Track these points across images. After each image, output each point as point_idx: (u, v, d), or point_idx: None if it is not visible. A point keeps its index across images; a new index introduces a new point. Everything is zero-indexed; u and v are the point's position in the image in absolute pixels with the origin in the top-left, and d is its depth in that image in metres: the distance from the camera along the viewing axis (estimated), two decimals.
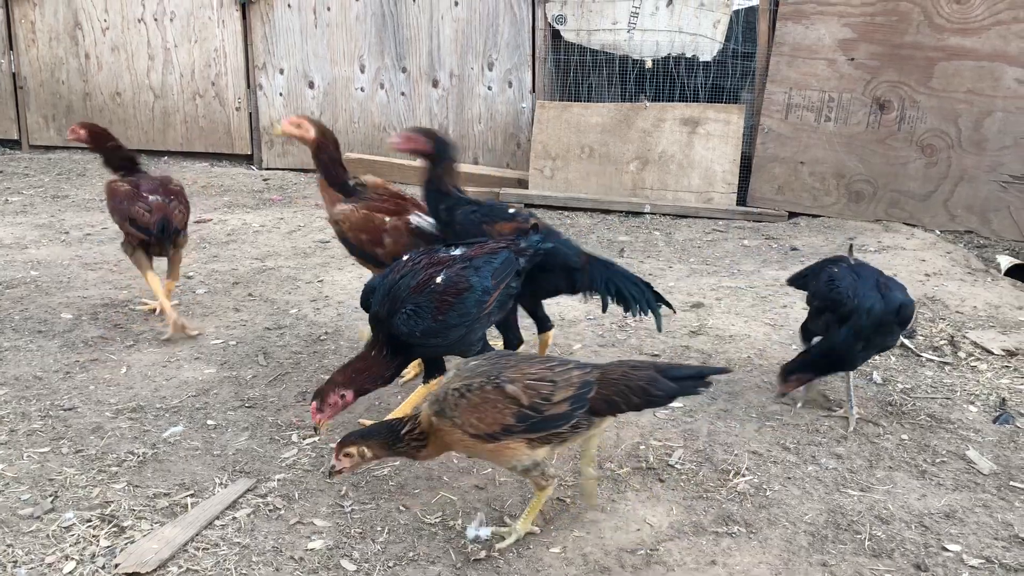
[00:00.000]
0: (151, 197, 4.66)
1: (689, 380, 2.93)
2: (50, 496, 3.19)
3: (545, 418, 2.82)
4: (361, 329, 4.54)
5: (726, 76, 7.75)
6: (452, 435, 2.83)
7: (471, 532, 3.04)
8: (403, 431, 2.87)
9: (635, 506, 3.26)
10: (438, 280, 3.37)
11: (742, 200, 7.51)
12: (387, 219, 4.10)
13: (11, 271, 5.69)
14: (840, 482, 3.42)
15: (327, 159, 4.23)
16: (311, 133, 4.21)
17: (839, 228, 7.00)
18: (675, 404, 4.01)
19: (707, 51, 7.69)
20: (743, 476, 3.45)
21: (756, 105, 7.57)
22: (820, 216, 7.26)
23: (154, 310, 4.98)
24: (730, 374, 4.32)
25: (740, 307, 5.23)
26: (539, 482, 2.95)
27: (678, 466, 3.53)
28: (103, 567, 2.82)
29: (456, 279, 3.39)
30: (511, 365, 2.91)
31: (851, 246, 4.52)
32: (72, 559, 2.85)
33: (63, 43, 9.24)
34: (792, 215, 7.35)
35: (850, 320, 3.73)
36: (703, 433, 3.78)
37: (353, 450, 2.88)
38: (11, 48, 9.34)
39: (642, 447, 3.66)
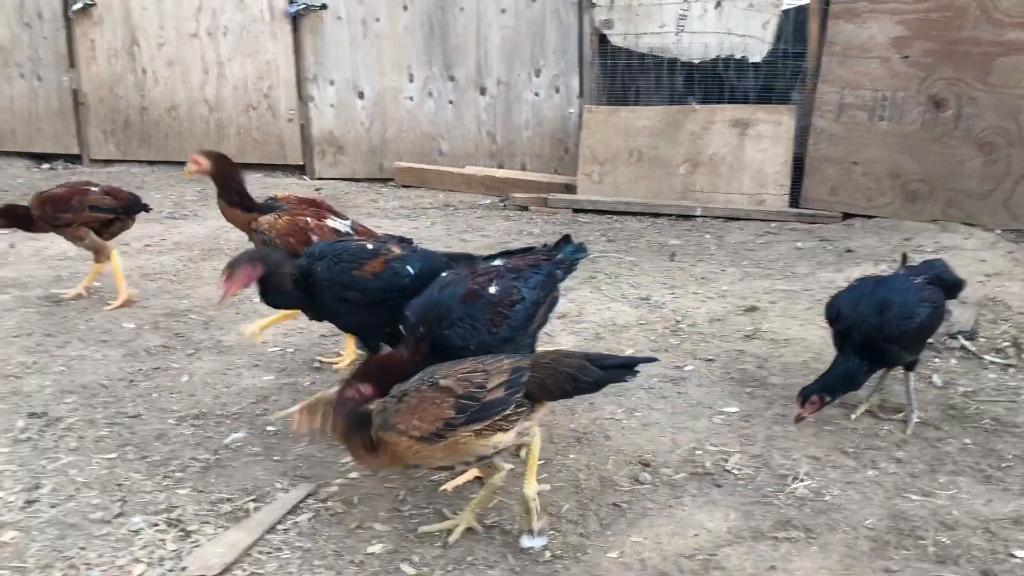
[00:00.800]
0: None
1: (617, 369, 2.96)
2: (118, 501, 3.28)
3: (483, 405, 2.82)
4: (242, 328, 4.61)
5: (776, 77, 7.68)
6: (400, 444, 2.82)
7: (525, 542, 3.05)
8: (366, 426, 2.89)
9: (692, 511, 3.25)
10: (492, 291, 3.33)
11: (794, 202, 7.42)
12: (310, 220, 4.43)
13: (75, 282, 5.85)
14: (901, 487, 3.37)
15: (235, 186, 4.54)
16: (206, 164, 4.53)
17: (895, 229, 6.88)
18: (731, 409, 4.00)
19: (756, 52, 7.62)
20: (801, 481, 3.42)
21: (807, 105, 7.48)
22: (875, 217, 7.15)
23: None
24: (789, 378, 4.29)
25: (795, 310, 5.17)
26: (497, 465, 3.00)
27: (735, 471, 3.50)
28: (170, 570, 2.90)
29: (509, 291, 3.37)
30: (442, 368, 2.96)
31: (904, 255, 4.42)
32: (141, 562, 2.93)
33: (121, 59, 9.49)
34: (846, 216, 7.24)
35: (848, 338, 3.67)
36: (760, 438, 3.75)
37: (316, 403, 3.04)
38: (72, 66, 9.62)
39: (698, 452, 3.65)
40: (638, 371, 2.99)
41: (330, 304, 3.66)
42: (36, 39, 9.67)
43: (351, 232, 4.47)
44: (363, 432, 2.90)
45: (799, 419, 3.64)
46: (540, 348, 4.58)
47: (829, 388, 3.64)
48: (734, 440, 3.74)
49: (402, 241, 3.95)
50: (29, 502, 3.27)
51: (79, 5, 9.33)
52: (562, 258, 3.62)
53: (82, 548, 3.01)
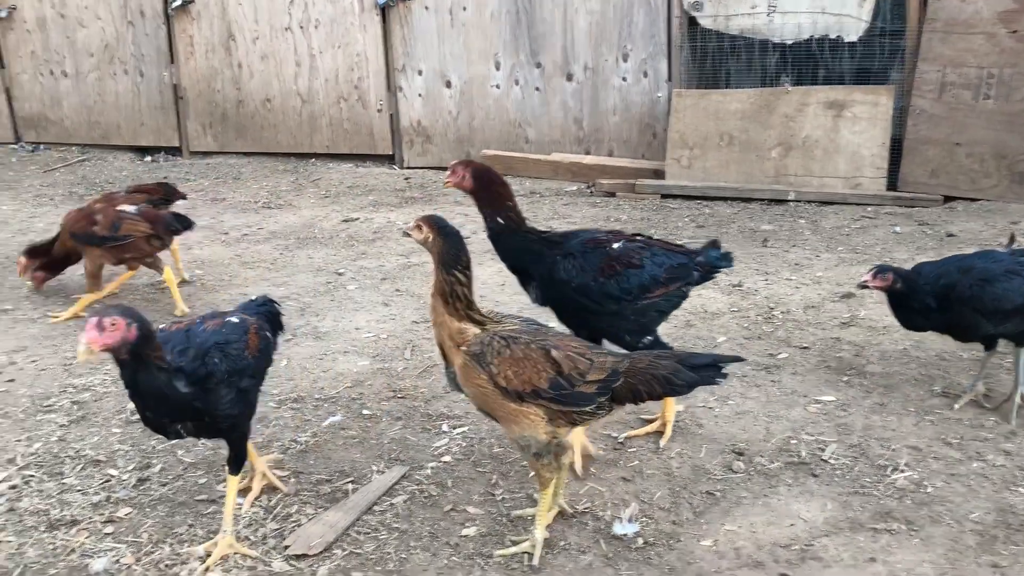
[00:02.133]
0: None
1: (708, 370, 2.87)
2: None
3: (574, 394, 2.78)
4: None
5: (873, 56, 7.43)
6: (479, 379, 2.78)
7: (617, 528, 3.06)
8: (455, 293, 2.83)
9: (788, 501, 3.20)
10: (615, 246, 3.44)
11: (892, 185, 7.18)
12: (96, 205, 5.22)
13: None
14: (1010, 480, 3.25)
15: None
16: None
17: (1000, 212, 6.60)
18: (827, 398, 3.92)
19: (852, 31, 7.39)
20: (902, 472, 3.33)
21: (906, 85, 7.22)
22: (979, 200, 6.87)
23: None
24: (888, 367, 4.17)
25: None
26: (544, 474, 2.87)
27: (832, 461, 3.43)
28: (273, 548, 3.00)
29: (630, 253, 3.44)
30: (556, 336, 2.94)
31: (1012, 235, 4.25)
32: (245, 540, 3.04)
33: (218, 54, 9.78)
34: (947, 199, 6.97)
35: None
36: (858, 427, 3.67)
37: (426, 230, 2.89)
38: (172, 61, 9.96)
39: (793, 441, 3.58)
40: (726, 374, 2.91)
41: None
42: (139, 36, 10.04)
43: (137, 215, 5.10)
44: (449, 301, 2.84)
45: (862, 286, 3.82)
46: None
47: (905, 280, 3.73)
48: (831, 429, 3.66)
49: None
50: (141, 480, 3.43)
51: (178, 2, 9.65)
52: (703, 260, 3.59)
53: (190, 525, 3.14)
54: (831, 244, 6.13)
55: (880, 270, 3.78)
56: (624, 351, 3.11)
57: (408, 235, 2.91)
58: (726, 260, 3.64)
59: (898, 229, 6.38)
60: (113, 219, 5.11)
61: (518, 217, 3.59)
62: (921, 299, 3.70)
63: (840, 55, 7.50)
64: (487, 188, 3.58)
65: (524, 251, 3.55)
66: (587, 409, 2.83)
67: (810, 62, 7.58)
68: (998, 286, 3.56)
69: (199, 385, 2.76)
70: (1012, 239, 4.20)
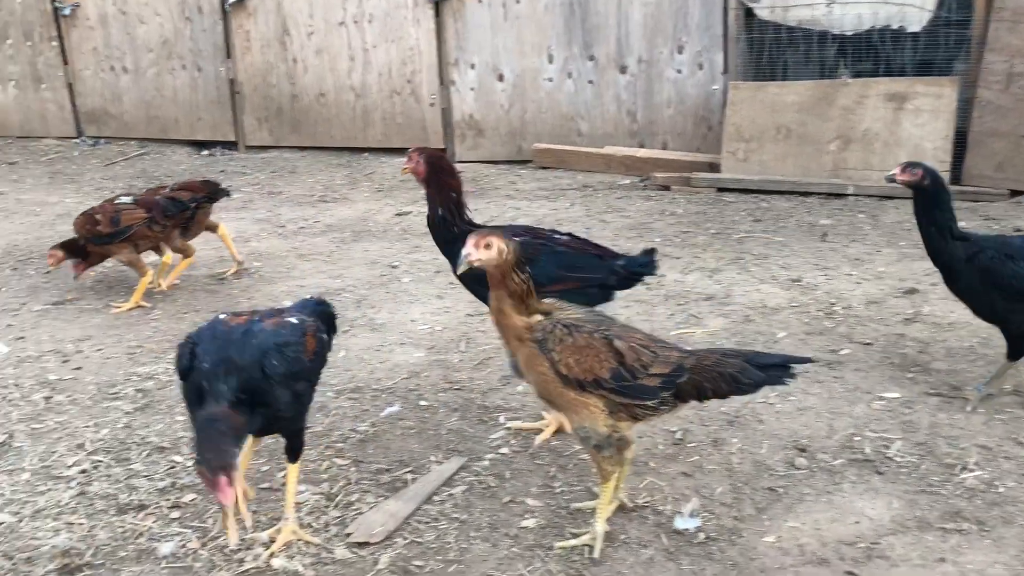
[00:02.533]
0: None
1: (776, 369, 2.81)
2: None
3: (636, 386, 2.74)
4: None
5: (936, 47, 7.25)
6: (542, 366, 2.76)
7: (679, 523, 3.03)
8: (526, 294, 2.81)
9: (852, 498, 3.15)
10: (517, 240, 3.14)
11: (955, 179, 7.01)
12: (96, 206, 5.42)
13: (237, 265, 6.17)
14: None
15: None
16: None
17: None
18: (891, 395, 3.84)
19: (915, 21, 7.22)
20: (971, 471, 3.25)
21: (971, 77, 7.04)
22: None
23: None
24: (955, 363, 4.08)
25: None
26: (606, 467, 2.85)
27: (897, 458, 3.37)
28: (335, 535, 3.03)
29: (529, 248, 3.17)
30: (620, 326, 2.90)
31: None
32: (308, 527, 3.08)
33: (273, 49, 9.90)
34: (1015, 193, 6.78)
35: None
36: (924, 425, 3.59)
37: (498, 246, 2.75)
38: (228, 56, 10.11)
39: (857, 438, 3.52)
40: (795, 374, 2.85)
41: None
42: (196, 32, 10.21)
43: (131, 206, 5.26)
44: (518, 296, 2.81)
45: (890, 180, 3.81)
46: (687, 330, 4.55)
47: (934, 180, 3.72)
48: (895, 427, 3.59)
49: None
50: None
51: None
52: (623, 264, 3.54)
53: (254, 512, 3.18)
54: (892, 239, 6.01)
55: (911, 164, 3.76)
56: (690, 349, 3.07)
57: (478, 263, 2.75)
58: (649, 267, 3.56)
59: (963, 224, 6.20)
60: (111, 215, 5.26)
61: (458, 210, 3.72)
62: (945, 210, 3.66)
63: (902, 46, 7.34)
64: (436, 176, 3.73)
65: (450, 243, 3.64)
66: (649, 403, 2.79)
67: (870, 53, 7.43)
68: (1021, 264, 3.49)
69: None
70: None
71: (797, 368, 2.85)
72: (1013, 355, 3.68)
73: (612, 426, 2.80)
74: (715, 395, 2.85)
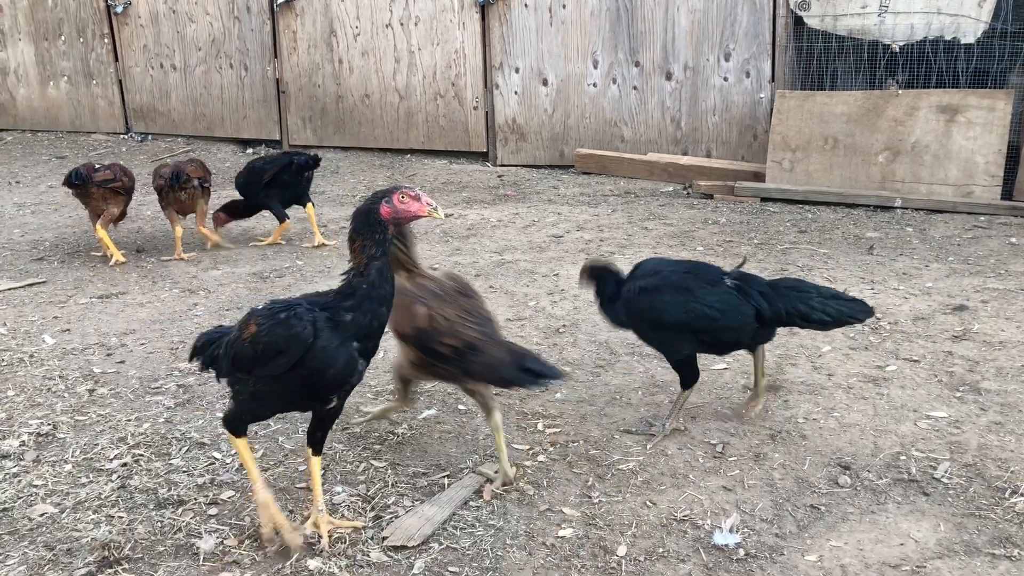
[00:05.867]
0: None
1: (528, 374, 3.08)
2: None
3: (429, 348, 3.18)
4: None
5: (991, 59, 7.11)
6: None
7: (718, 538, 2.98)
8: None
9: (897, 519, 3.07)
10: None
11: (1007, 194, 6.87)
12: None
13: (278, 261, 6.22)
14: None
15: None
16: None
17: None
18: (938, 414, 3.76)
19: (969, 32, 7.08)
20: (1022, 495, 3.16)
21: None
22: None
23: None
24: (1005, 383, 3.98)
25: (1010, 311, 4.79)
26: (399, 399, 3.56)
27: (944, 480, 3.28)
28: (371, 538, 3.03)
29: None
30: (446, 296, 3.28)
31: (745, 258, 4.13)
32: (344, 529, 3.07)
33: (319, 49, 9.98)
34: None
35: None
36: (972, 446, 3.50)
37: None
38: (275, 56, 10.21)
39: (903, 457, 3.44)
40: (544, 385, 3.17)
41: None
42: (244, 31, 10.33)
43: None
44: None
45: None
46: None
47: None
48: (943, 447, 3.51)
49: None
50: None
51: None
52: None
53: (291, 511, 3.19)
54: (941, 254, 5.88)
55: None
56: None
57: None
58: None
59: (1014, 240, 6.09)
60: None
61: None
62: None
63: (954, 57, 7.21)
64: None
65: None
66: (442, 366, 3.18)
67: (921, 64, 7.30)
68: (657, 298, 3.50)
69: None
70: (743, 261, 4.08)
71: (553, 382, 3.14)
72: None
73: (413, 374, 3.36)
74: (480, 379, 3.20)
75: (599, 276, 3.74)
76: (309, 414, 3.02)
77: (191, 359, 3.22)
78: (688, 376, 3.62)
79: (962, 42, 7.13)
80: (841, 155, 7.31)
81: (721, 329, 3.47)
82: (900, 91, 7.18)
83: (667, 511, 3.12)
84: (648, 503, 3.18)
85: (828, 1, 7.49)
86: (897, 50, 7.05)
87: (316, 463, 3.05)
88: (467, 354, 3.12)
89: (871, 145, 7.20)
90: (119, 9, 10.82)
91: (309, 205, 6.53)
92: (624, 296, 3.59)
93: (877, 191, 7.15)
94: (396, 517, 3.12)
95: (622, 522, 3.08)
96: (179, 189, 6.14)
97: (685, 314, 3.44)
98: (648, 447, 3.57)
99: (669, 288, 3.50)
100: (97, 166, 6.18)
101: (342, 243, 6.59)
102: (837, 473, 3.35)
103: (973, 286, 5.20)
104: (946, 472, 3.33)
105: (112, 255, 6.21)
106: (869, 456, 3.46)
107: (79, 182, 5.97)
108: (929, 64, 7.28)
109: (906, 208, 6.94)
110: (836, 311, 3.42)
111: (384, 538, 3.00)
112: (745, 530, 3.02)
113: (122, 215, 6.33)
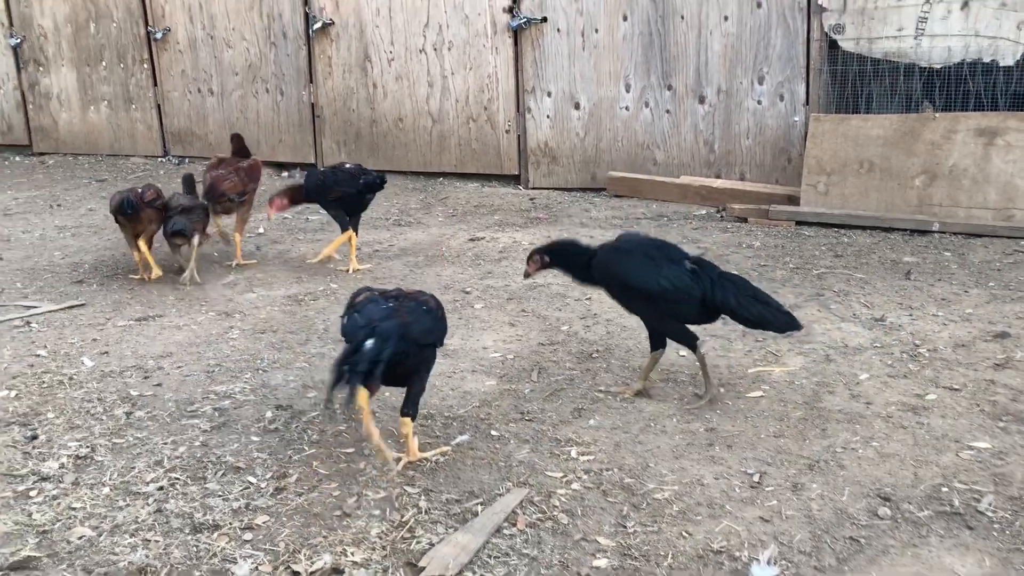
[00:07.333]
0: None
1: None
2: (355, 495, 3.46)
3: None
4: None
5: None
6: None
7: (756, 571, 2.94)
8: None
9: (940, 553, 3.01)
10: None
11: None
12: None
13: (312, 284, 6.27)
14: None
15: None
16: None
17: None
18: (981, 444, 3.68)
19: (1008, 55, 7.01)
20: None
21: None
22: None
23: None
24: None
25: None
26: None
27: (988, 513, 3.21)
28: (406, 563, 3.02)
29: None
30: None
31: (705, 251, 4.51)
32: (377, 547, 3.07)
33: (354, 74, 10.09)
34: None
35: None
36: (1018, 478, 3.43)
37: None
38: (311, 81, 10.35)
39: (944, 489, 3.38)
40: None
41: None
42: (280, 57, 10.48)
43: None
44: None
45: (526, 275, 4.48)
46: (765, 368, 4.44)
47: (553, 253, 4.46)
48: (987, 479, 3.44)
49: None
50: (278, 490, 3.51)
51: (319, 24, 10.03)
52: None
53: (324, 537, 3.20)
54: (980, 279, 5.79)
55: (531, 255, 4.37)
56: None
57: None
58: None
59: None
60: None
61: None
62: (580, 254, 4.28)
63: (993, 80, 7.12)
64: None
65: None
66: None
67: (959, 87, 7.22)
68: (627, 259, 4.10)
69: None
70: (704, 252, 4.63)
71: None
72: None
73: None
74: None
75: (570, 246, 4.41)
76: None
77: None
78: (656, 341, 4.21)
79: (1001, 64, 7.05)
80: (877, 179, 7.24)
81: (670, 301, 3.99)
82: (937, 114, 7.11)
83: (703, 542, 3.09)
84: (684, 533, 3.15)
85: (863, 24, 7.46)
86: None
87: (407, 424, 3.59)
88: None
89: (907, 169, 7.13)
90: (158, 35, 11.03)
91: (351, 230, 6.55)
92: (600, 256, 4.16)
93: (914, 215, 7.07)
94: (432, 545, 3.11)
95: (658, 553, 3.05)
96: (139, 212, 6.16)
97: (644, 281, 4.00)
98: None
99: (639, 255, 4.09)
100: (139, 189, 6.29)
101: (376, 267, 6.65)
102: (877, 504, 3.29)
103: (1015, 313, 5.11)
104: (990, 505, 3.26)
105: (152, 269, 6.38)
106: (909, 487, 3.40)
107: (132, 210, 6.06)
108: (967, 87, 7.21)
109: (944, 232, 6.85)
110: (758, 315, 3.91)
111: (421, 568, 2.99)
112: (783, 562, 2.98)
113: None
